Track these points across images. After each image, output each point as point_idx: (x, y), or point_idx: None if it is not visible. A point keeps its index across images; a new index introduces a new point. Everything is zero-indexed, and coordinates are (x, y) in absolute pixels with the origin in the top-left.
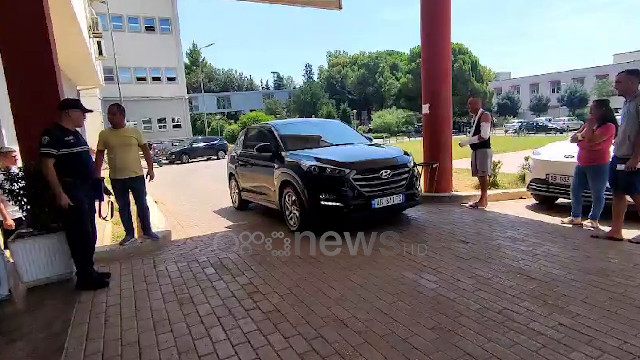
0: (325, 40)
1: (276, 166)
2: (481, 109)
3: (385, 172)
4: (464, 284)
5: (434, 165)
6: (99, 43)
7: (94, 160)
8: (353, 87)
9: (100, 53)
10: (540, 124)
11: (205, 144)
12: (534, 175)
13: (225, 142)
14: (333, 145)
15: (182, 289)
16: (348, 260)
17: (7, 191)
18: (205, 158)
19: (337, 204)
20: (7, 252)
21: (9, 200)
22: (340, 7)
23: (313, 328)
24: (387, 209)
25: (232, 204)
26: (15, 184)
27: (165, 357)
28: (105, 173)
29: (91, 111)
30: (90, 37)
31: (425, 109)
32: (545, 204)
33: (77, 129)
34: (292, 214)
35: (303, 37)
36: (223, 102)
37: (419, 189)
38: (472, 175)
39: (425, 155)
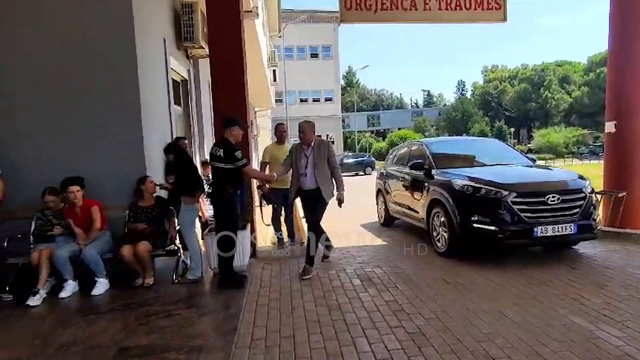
0: (481, 55)
1: (426, 184)
2: None
3: (552, 197)
4: None
5: (620, 195)
6: (274, 71)
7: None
8: (511, 104)
9: (275, 79)
10: None
11: (354, 159)
12: None
13: (373, 158)
14: (489, 165)
15: (331, 295)
16: (501, 292)
17: (206, 193)
18: (353, 173)
19: (492, 227)
20: (202, 242)
21: (208, 200)
22: (505, 19)
23: None
24: (553, 239)
25: (378, 220)
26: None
27: (316, 356)
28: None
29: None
30: (268, 66)
31: (609, 126)
32: None
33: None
34: (440, 235)
35: (457, 54)
36: (373, 121)
37: (597, 220)
38: None
39: (606, 181)
